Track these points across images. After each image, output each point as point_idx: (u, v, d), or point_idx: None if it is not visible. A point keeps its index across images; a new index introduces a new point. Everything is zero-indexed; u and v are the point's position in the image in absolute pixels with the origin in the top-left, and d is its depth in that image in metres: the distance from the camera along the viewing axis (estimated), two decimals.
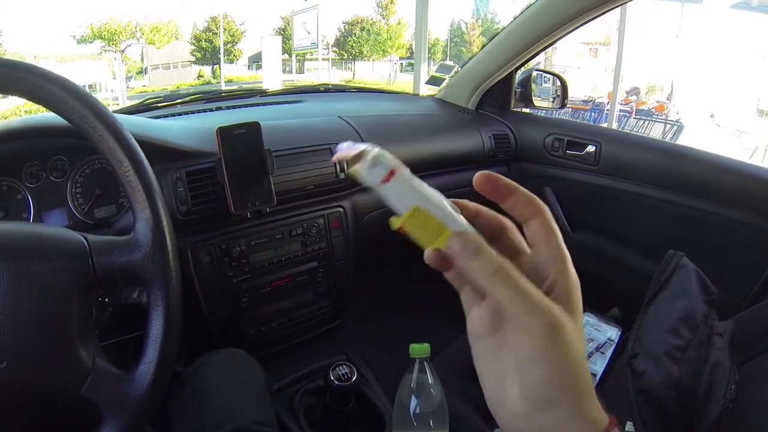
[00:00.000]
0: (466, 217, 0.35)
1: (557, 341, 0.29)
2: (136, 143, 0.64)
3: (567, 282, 0.32)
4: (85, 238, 0.61)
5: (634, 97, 11.15)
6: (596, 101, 10.46)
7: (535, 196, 0.35)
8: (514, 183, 0.35)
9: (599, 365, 1.14)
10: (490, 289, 0.30)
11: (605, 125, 8.01)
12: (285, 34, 23.10)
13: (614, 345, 1.19)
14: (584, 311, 1.25)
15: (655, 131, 8.62)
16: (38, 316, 0.55)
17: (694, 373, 0.87)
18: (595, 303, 1.34)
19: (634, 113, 9.29)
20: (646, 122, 8.91)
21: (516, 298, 0.30)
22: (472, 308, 0.33)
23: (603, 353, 1.17)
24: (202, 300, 1.03)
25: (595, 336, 1.21)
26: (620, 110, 8.91)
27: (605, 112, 9.10)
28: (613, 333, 1.22)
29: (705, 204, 1.20)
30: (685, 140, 7.94)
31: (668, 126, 8.71)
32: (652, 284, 1.01)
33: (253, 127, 1.01)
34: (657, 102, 10.99)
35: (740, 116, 8.42)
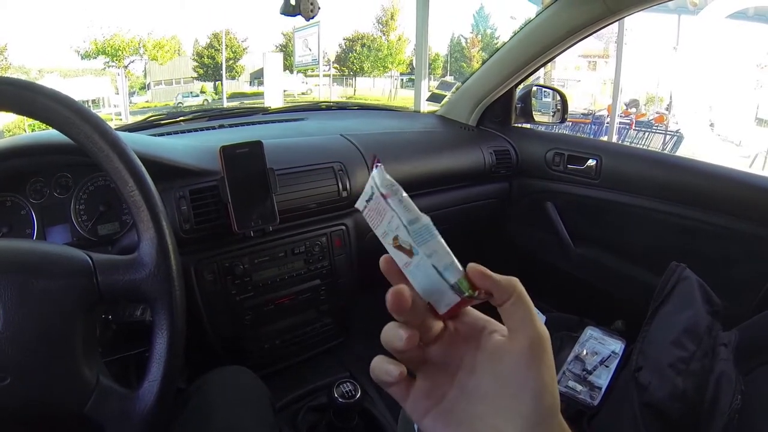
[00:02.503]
0: None
1: (547, 351, 0.33)
2: (140, 164, 0.65)
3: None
4: (90, 257, 0.61)
5: (633, 109, 11.19)
6: (596, 114, 10.49)
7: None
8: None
9: (604, 378, 1.13)
10: (509, 308, 0.33)
11: (605, 138, 8.02)
12: (286, 50, 23.31)
13: (618, 358, 1.18)
14: (588, 325, 1.26)
15: (655, 142, 8.61)
16: (42, 334, 0.56)
17: (699, 384, 0.86)
18: (599, 316, 1.34)
19: (633, 125, 9.30)
20: (646, 134, 8.90)
21: (530, 314, 0.33)
22: (406, 396, 0.37)
23: (607, 366, 1.16)
24: (205, 318, 1.03)
25: (599, 349, 1.21)
26: (620, 122, 8.92)
27: (605, 124, 9.12)
28: (617, 346, 1.21)
29: (707, 215, 1.20)
30: (685, 150, 7.94)
31: (668, 137, 8.71)
32: (655, 297, 1.01)
33: (256, 147, 1.01)
34: (656, 113, 11.02)
35: (739, 125, 8.42)
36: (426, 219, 0.34)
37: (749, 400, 0.80)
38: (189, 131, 1.28)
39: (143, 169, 0.65)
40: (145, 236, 0.63)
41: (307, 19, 1.04)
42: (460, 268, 0.34)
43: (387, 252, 0.36)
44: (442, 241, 0.34)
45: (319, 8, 1.02)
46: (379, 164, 0.36)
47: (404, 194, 0.35)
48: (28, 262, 0.58)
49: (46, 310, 0.56)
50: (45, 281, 0.57)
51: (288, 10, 1.02)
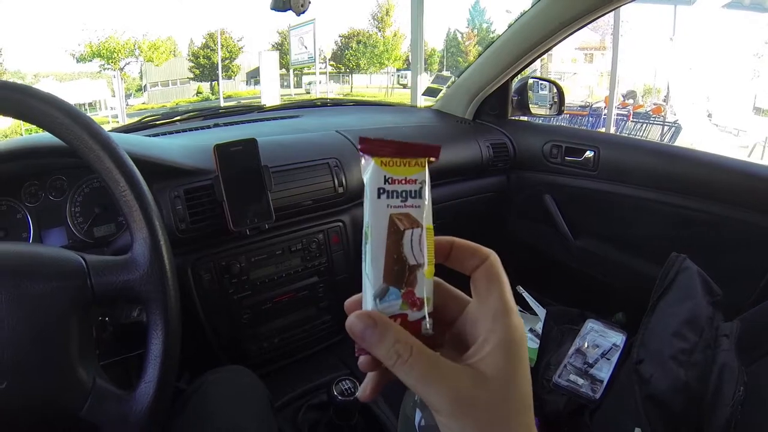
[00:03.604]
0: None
1: (465, 417, 0.29)
2: (132, 163, 0.64)
3: (497, 339, 0.30)
4: (83, 258, 0.61)
5: (630, 101, 11.18)
6: (593, 106, 10.48)
7: (478, 245, 0.34)
8: (449, 237, 0.34)
9: (605, 372, 1.13)
10: (395, 374, 0.30)
11: (603, 130, 8.02)
12: (282, 49, 23.29)
13: (620, 350, 1.18)
14: (589, 317, 1.25)
15: (653, 134, 8.62)
16: (37, 337, 0.55)
17: (702, 376, 0.86)
18: (600, 308, 1.34)
19: (631, 116, 9.29)
20: (644, 125, 8.90)
21: (416, 386, 0.29)
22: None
23: (609, 359, 1.16)
24: (203, 317, 1.03)
25: (600, 342, 1.20)
26: (617, 114, 8.92)
27: (603, 116, 9.12)
28: (618, 338, 1.21)
29: (706, 204, 1.19)
30: (683, 141, 7.94)
31: (666, 128, 8.72)
32: (655, 288, 1.00)
33: (250, 144, 1.00)
34: (654, 104, 11.00)
35: (737, 115, 8.42)
36: (366, 226, 0.32)
37: (752, 391, 0.80)
38: (184, 131, 1.27)
39: (135, 169, 0.64)
40: (138, 236, 0.62)
41: (298, 14, 1.03)
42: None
43: None
44: (369, 254, 0.31)
45: (309, 3, 1.01)
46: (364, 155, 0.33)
47: (367, 193, 0.32)
48: (20, 265, 0.57)
49: (40, 312, 0.56)
50: (38, 284, 0.56)
51: (278, 6, 1.01)
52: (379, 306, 0.31)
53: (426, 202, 0.32)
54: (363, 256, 0.32)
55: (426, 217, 0.32)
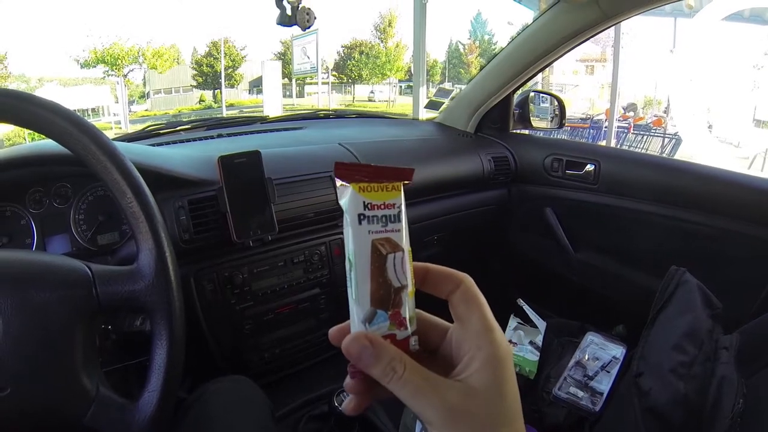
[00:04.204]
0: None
1: (456, 428, 0.30)
2: (138, 174, 0.65)
3: (483, 356, 0.32)
4: (89, 267, 0.61)
5: (631, 113, 11.23)
6: (594, 118, 10.52)
7: (452, 270, 0.35)
8: (424, 264, 0.35)
9: (605, 384, 1.13)
10: (390, 390, 0.31)
11: (604, 142, 8.04)
12: (285, 58, 23.40)
13: (620, 363, 1.18)
14: (589, 330, 1.25)
15: (654, 146, 8.64)
16: (42, 345, 0.56)
17: (701, 388, 0.86)
18: (600, 321, 1.34)
19: (632, 129, 9.33)
20: (645, 137, 8.93)
21: (409, 400, 0.30)
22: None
23: (609, 372, 1.16)
24: (205, 327, 1.03)
25: (600, 355, 1.21)
26: (618, 126, 8.94)
27: (603, 129, 9.15)
28: (618, 351, 1.21)
29: (705, 217, 1.20)
30: (683, 153, 7.95)
31: (666, 140, 8.73)
32: (655, 301, 1.01)
33: (254, 156, 1.01)
34: (654, 116, 11.04)
35: (737, 127, 8.42)
36: (349, 253, 0.32)
37: (751, 404, 0.80)
38: (188, 141, 1.28)
39: (141, 180, 0.65)
40: (143, 247, 0.63)
41: (303, 29, 1.05)
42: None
43: None
44: (355, 280, 0.32)
45: (315, 18, 1.02)
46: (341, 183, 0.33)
47: (347, 220, 0.32)
48: (27, 273, 0.58)
49: (45, 321, 0.56)
50: (44, 292, 0.57)
51: (284, 21, 1.02)
52: (369, 329, 0.32)
53: (404, 225, 0.33)
54: (348, 282, 0.32)
55: (405, 240, 0.32)
